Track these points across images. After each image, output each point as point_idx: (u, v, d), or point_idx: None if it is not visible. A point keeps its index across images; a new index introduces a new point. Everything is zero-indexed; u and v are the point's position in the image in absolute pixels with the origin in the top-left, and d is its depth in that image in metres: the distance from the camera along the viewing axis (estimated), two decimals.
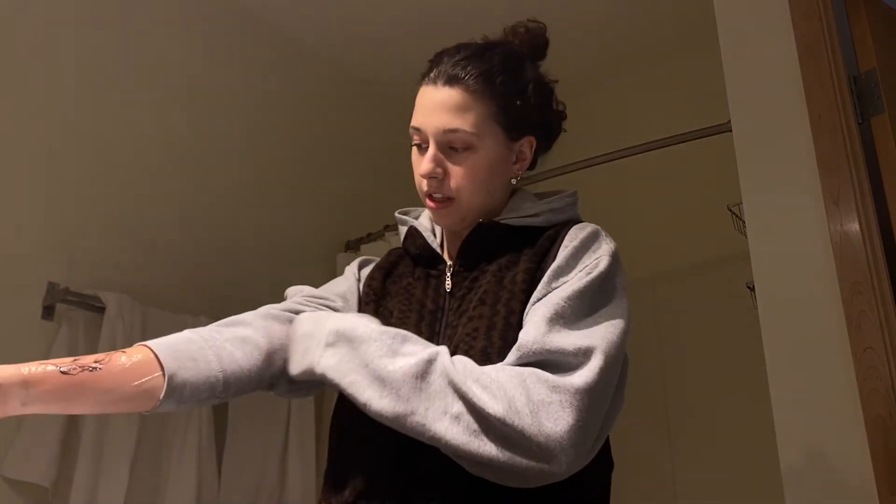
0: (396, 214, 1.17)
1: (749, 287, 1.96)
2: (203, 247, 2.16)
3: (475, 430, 0.81)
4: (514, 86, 1.03)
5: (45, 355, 1.76)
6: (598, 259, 0.94)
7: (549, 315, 0.88)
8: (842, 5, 1.64)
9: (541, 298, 0.92)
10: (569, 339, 0.86)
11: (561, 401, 0.81)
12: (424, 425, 0.83)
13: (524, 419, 0.80)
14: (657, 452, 2.37)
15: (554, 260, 0.95)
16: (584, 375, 0.83)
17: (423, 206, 1.07)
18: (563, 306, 0.89)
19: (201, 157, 2.25)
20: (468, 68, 1.01)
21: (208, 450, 1.91)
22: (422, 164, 1.02)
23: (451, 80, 1.01)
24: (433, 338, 0.97)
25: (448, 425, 0.82)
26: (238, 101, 2.39)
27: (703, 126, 2.08)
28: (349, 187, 2.68)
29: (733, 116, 1.70)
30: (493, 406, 0.81)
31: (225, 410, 2.02)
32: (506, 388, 0.82)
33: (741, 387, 2.16)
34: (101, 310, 1.83)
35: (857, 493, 1.33)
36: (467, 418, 0.82)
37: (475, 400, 0.81)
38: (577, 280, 0.92)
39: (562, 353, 0.85)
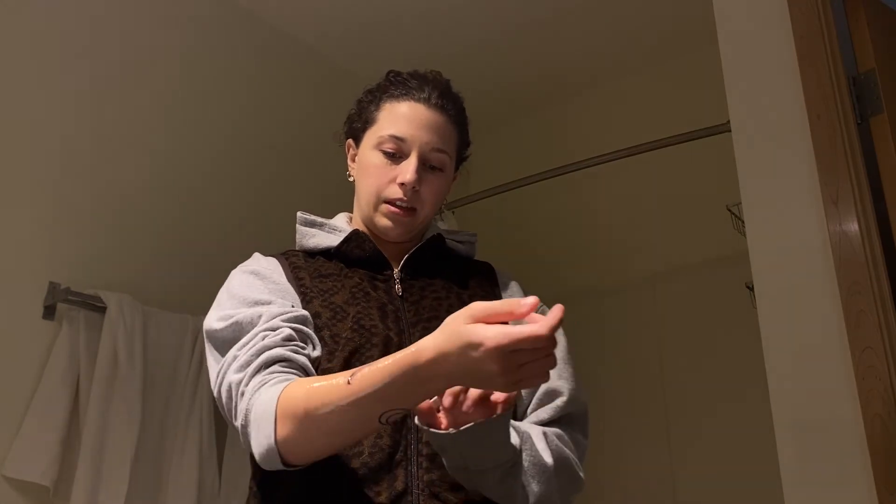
0: (306, 217, 1.21)
1: (749, 287, 1.96)
2: (204, 247, 2.16)
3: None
4: (467, 128, 1.19)
5: (46, 355, 1.76)
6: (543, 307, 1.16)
7: (574, 372, 1.08)
8: (841, 6, 1.64)
9: None
10: (585, 395, 1.09)
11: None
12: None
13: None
14: (657, 452, 2.37)
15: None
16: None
17: (369, 209, 1.13)
18: (573, 362, 1.10)
19: (203, 157, 2.25)
20: (451, 101, 1.13)
21: (209, 450, 1.91)
22: (404, 172, 1.08)
23: (440, 106, 1.11)
24: (401, 334, 1.03)
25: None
26: (241, 101, 2.40)
27: (703, 126, 2.09)
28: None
29: (732, 117, 1.71)
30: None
31: None
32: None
33: (741, 386, 2.16)
34: (102, 309, 1.83)
35: (856, 492, 1.33)
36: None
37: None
38: (562, 338, 1.10)
39: (583, 405, 1.07)
